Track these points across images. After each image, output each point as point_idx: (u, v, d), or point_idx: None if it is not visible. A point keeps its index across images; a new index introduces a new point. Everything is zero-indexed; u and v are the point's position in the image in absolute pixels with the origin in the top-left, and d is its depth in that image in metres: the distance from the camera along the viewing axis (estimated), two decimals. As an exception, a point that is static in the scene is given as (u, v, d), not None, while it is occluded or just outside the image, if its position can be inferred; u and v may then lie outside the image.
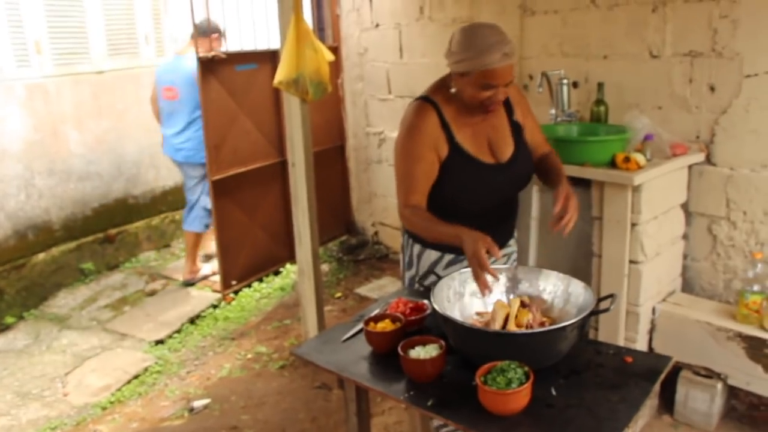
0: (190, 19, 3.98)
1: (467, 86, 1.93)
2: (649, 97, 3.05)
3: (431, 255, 2.19)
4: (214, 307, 4.44)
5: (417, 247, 2.21)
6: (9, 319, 4.30)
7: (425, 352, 1.73)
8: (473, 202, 2.08)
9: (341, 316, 4.14)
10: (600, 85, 3.08)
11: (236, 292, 4.55)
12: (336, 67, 4.80)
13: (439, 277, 1.92)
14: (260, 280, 4.71)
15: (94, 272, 4.92)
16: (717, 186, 2.89)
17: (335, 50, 4.76)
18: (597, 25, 3.19)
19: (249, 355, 3.80)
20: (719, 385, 2.69)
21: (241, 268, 4.47)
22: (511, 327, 1.74)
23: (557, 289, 1.91)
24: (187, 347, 4.00)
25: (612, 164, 2.63)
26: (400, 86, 4.45)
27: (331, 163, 4.93)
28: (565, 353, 1.69)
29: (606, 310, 1.68)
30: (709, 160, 2.89)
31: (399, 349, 1.72)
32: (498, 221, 2.17)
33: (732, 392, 2.75)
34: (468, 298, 1.96)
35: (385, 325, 1.91)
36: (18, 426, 3.25)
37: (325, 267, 4.92)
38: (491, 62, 1.86)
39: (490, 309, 1.85)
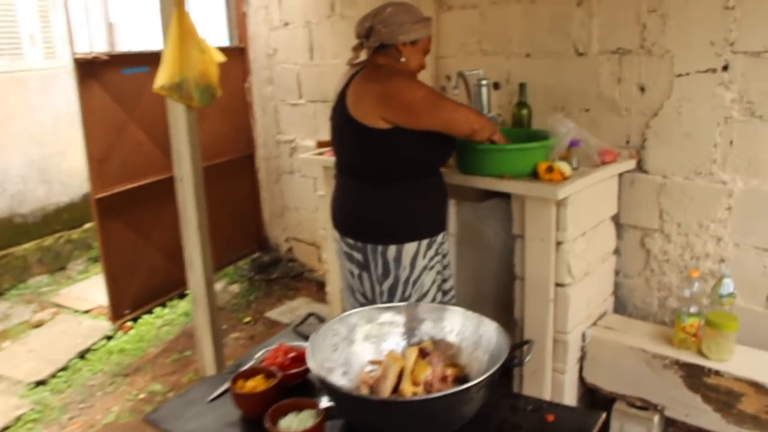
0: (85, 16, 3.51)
1: (416, 53, 2.17)
2: (575, 98, 2.78)
3: (410, 249, 2.17)
4: (109, 338, 3.95)
5: (392, 250, 2.15)
6: None
7: (299, 421, 1.37)
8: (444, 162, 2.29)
9: (249, 345, 3.72)
10: (522, 86, 2.79)
11: (135, 320, 4.07)
12: (243, 70, 4.40)
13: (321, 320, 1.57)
14: (163, 305, 4.24)
15: (-29, 302, 4.35)
16: (649, 196, 2.63)
17: (242, 51, 4.36)
18: (518, 21, 2.91)
19: (141, 395, 3.34)
20: (656, 418, 2.41)
21: (136, 294, 3.98)
22: (406, 386, 1.40)
23: (466, 330, 1.58)
24: (74, 387, 3.50)
25: (534, 175, 2.33)
26: (312, 90, 4.07)
27: (240, 174, 4.51)
28: (471, 416, 1.36)
29: (519, 363, 1.35)
30: (640, 168, 2.63)
31: (266, 420, 1.36)
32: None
33: (670, 424, 2.48)
34: (360, 345, 1.61)
35: (256, 383, 1.55)
36: None
37: (235, 288, 4.50)
38: (431, 29, 2.19)
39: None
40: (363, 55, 2.22)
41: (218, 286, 4.52)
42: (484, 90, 2.88)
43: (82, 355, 3.79)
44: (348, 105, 2.10)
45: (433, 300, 2.26)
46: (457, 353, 1.56)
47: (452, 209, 2.62)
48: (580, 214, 2.35)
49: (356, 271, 2.25)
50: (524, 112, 2.78)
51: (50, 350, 3.82)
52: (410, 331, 1.62)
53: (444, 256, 2.33)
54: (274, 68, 4.30)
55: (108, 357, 3.78)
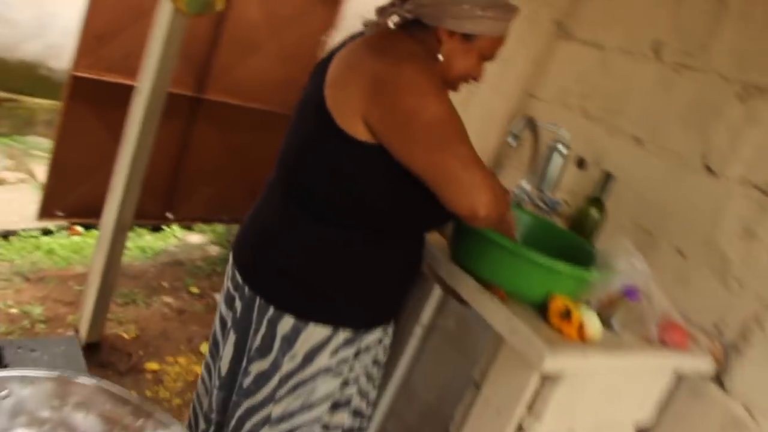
0: None
1: (466, 53, 1.37)
2: (673, 230, 1.81)
3: (314, 335, 1.38)
4: (48, 232, 3.39)
5: (287, 324, 1.38)
6: None
7: None
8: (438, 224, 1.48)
9: (170, 318, 3.03)
10: (608, 178, 1.86)
11: (88, 228, 3.49)
12: (327, 20, 3.71)
13: None
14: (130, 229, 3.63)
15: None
16: (713, 427, 1.64)
17: (338, 2, 3.66)
18: (647, 88, 1.96)
19: (13, 309, 2.72)
20: None
21: (81, 200, 3.31)
22: None
23: None
24: (-24, 268, 2.97)
25: (541, 309, 1.43)
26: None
27: (278, 130, 3.79)
28: None
29: None
30: (718, 379, 1.64)
31: None
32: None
33: None
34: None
35: None
36: None
37: (213, 250, 3.84)
38: (507, 28, 1.40)
39: None
40: (390, 25, 1.40)
41: (195, 238, 3.87)
42: (557, 158, 1.99)
43: (5, 235, 3.25)
44: (325, 84, 1.29)
45: (319, 422, 1.44)
46: None
47: (434, 295, 1.74)
48: (576, 402, 1.43)
49: (228, 324, 1.48)
50: (593, 213, 1.86)
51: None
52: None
53: (375, 363, 1.50)
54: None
55: (30, 250, 3.21)
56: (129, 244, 3.54)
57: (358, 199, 1.28)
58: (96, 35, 2.90)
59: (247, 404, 1.44)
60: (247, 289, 1.41)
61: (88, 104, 3.04)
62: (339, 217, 1.31)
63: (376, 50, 1.26)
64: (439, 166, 1.21)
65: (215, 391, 1.52)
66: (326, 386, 1.42)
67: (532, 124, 1.98)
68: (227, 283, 1.52)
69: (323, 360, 1.38)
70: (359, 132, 1.22)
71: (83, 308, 2.56)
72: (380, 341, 1.48)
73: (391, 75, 1.20)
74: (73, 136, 3.08)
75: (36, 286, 2.95)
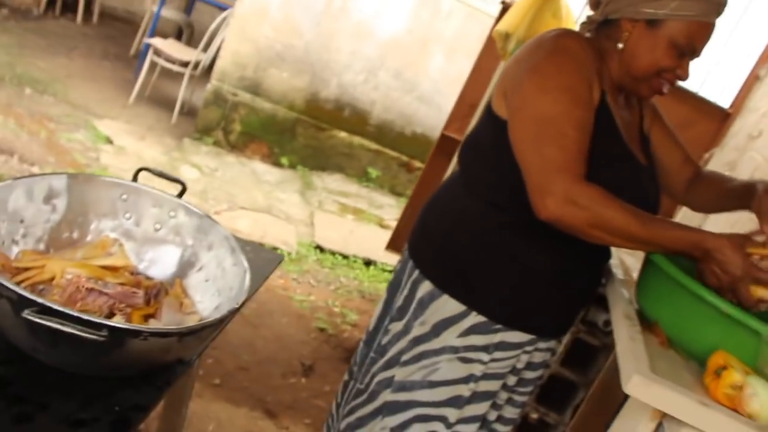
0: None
1: (652, 42, 1.26)
2: None
3: (449, 307, 1.39)
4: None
5: (426, 287, 1.43)
6: None
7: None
8: None
9: None
10: None
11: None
12: (712, 136, 3.47)
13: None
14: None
15: None
16: None
17: (725, 117, 3.43)
18: None
19: (336, 309, 3.29)
20: None
21: None
22: None
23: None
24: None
25: (700, 361, 1.19)
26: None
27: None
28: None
29: None
30: None
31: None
32: (600, 262, 1.46)
33: None
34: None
35: None
36: None
37: None
38: (711, 11, 1.23)
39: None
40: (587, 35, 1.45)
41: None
42: None
43: (367, 263, 3.91)
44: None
45: (443, 421, 1.43)
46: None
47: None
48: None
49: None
50: None
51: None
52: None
53: (515, 374, 1.44)
54: (745, 153, 3.24)
55: (377, 277, 3.80)
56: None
57: (496, 173, 1.32)
58: (470, 104, 3.40)
59: (380, 362, 1.50)
60: (406, 251, 1.54)
61: (447, 159, 3.55)
62: (488, 193, 1.36)
63: (538, 39, 1.34)
64: (523, 158, 1.22)
65: (361, 345, 1.63)
66: (450, 369, 1.39)
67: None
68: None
69: (450, 337, 1.38)
70: (500, 108, 1.30)
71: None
72: (522, 348, 1.41)
73: (533, 47, 1.27)
74: (429, 185, 3.61)
75: (368, 302, 3.48)
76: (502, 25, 2.36)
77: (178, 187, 1.28)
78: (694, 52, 1.28)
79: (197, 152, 4.44)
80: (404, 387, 1.44)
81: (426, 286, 1.41)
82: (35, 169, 3.25)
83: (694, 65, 1.30)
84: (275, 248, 3.39)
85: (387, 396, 1.45)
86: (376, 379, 1.50)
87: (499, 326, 1.37)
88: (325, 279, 3.48)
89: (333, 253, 3.78)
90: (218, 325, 0.99)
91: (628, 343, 1.15)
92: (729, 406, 1.10)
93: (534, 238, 1.32)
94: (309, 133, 4.82)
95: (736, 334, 1.18)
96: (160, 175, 1.27)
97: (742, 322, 1.15)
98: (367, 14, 4.61)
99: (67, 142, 3.74)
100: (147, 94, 4.97)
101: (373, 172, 4.96)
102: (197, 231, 1.22)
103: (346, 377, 1.67)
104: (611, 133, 1.30)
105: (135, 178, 1.26)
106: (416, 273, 1.44)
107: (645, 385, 1.04)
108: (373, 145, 4.93)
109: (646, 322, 1.30)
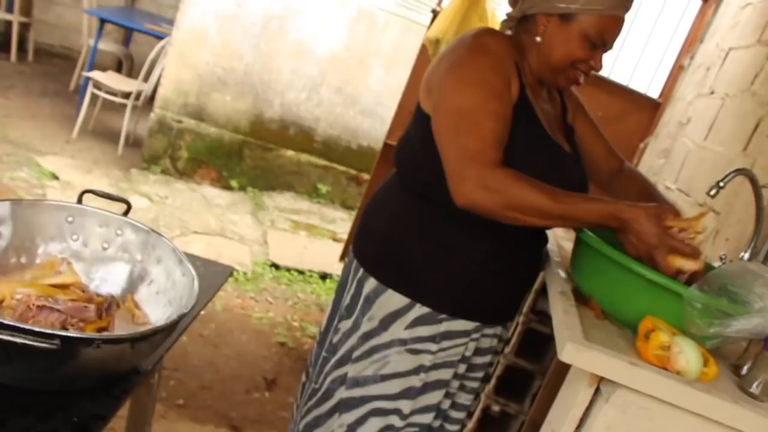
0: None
1: (566, 36, 1.35)
2: None
3: (393, 302, 1.44)
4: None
5: (371, 284, 1.48)
6: None
7: None
8: None
9: None
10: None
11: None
12: (644, 127, 3.64)
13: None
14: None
15: None
16: None
17: (655, 107, 3.59)
18: None
19: (296, 323, 3.31)
20: None
21: None
22: None
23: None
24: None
25: (632, 328, 1.28)
26: (689, 176, 3.09)
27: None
28: None
29: None
30: None
31: None
32: (537, 247, 1.54)
33: None
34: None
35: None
36: None
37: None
38: (618, 6, 1.33)
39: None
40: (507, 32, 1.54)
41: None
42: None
43: (323, 276, 3.94)
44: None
45: (397, 414, 1.48)
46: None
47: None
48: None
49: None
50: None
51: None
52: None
53: (465, 362, 1.50)
54: (677, 140, 3.41)
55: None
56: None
57: (427, 168, 1.38)
58: (410, 111, 3.50)
59: (332, 360, 1.55)
60: (351, 251, 1.60)
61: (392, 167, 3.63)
62: (421, 189, 1.43)
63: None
64: (442, 148, 1.30)
65: (315, 346, 1.69)
66: (400, 361, 1.44)
67: (748, 177, 1.72)
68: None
69: (398, 330, 1.43)
70: (426, 104, 1.38)
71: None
72: (468, 336, 1.47)
73: (450, 56, 1.35)
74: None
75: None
76: (432, 32, 2.46)
77: (123, 207, 1.31)
78: (605, 44, 1.37)
79: (146, 181, 4.42)
80: (358, 383, 1.48)
81: (371, 283, 1.47)
82: (-22, 210, 3.20)
83: (621, 59, 1.40)
84: (230, 269, 3.39)
85: (342, 393, 1.50)
86: (330, 377, 1.54)
87: (443, 316, 1.43)
88: (283, 295, 3.50)
89: (288, 270, 3.80)
90: (170, 329, 1.03)
91: (562, 316, 1.22)
92: (659, 365, 1.18)
93: (469, 228, 1.39)
94: (256, 154, 4.85)
95: (662, 299, 1.26)
96: (104, 195, 1.30)
97: (666, 286, 1.24)
98: (304, 34, 4.68)
99: (10, 180, 3.69)
100: (90, 128, 4.93)
101: (323, 188, 5.02)
102: (145, 246, 1.26)
103: (303, 379, 1.71)
104: (532, 122, 1.38)
105: (80, 201, 1.28)
106: (361, 271, 1.50)
107: (578, 351, 1.12)
108: (321, 161, 4.99)
109: (582, 298, 1.38)
